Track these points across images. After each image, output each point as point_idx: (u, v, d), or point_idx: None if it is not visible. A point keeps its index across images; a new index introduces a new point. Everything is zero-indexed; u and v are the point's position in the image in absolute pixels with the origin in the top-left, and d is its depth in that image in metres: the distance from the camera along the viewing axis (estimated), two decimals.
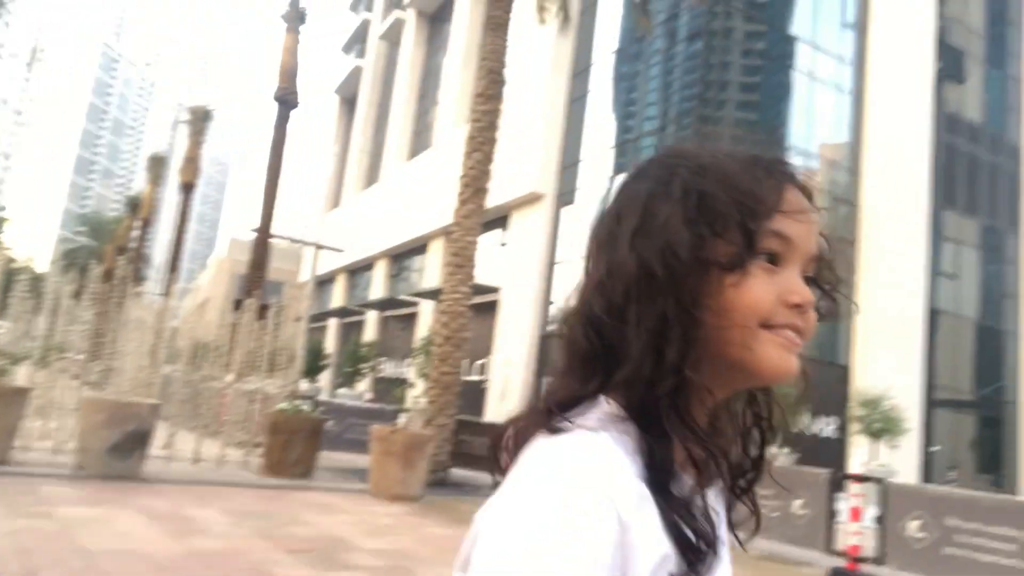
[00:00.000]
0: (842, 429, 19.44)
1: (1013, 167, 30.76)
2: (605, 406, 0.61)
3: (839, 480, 6.73)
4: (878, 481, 6.45)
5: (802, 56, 23.66)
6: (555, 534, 0.50)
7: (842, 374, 20.48)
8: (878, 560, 6.20)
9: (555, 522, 0.51)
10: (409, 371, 24.61)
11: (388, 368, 30.66)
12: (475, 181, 10.60)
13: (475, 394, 24.94)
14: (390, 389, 19.90)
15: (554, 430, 0.58)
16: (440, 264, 10.87)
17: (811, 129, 24.34)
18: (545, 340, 23.59)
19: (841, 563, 5.94)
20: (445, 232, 11.07)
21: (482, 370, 25.79)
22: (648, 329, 0.60)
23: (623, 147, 23.39)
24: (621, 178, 0.71)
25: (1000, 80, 31.39)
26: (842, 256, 0.70)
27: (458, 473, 10.23)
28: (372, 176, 39.26)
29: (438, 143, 30.81)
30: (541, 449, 0.58)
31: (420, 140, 35.13)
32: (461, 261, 10.38)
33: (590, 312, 0.63)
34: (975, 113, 29.99)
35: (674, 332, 0.59)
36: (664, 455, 0.58)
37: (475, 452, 10.37)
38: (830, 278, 0.67)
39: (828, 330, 19.54)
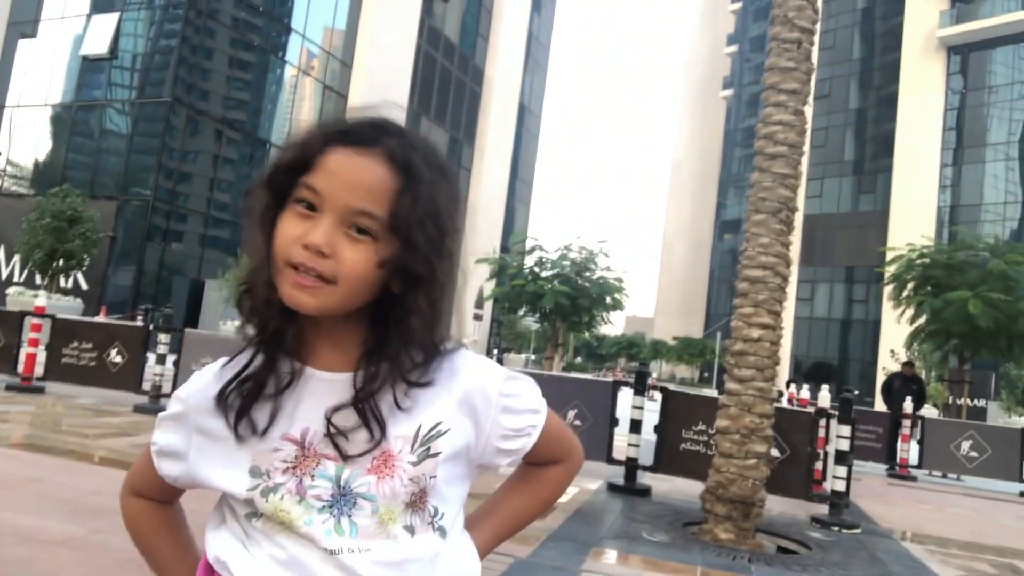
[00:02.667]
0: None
1: (477, 88, 36.21)
2: None
3: (153, 332, 7.99)
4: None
5: None
6: None
7: None
8: (167, 395, 7.99)
9: None
10: None
11: None
12: None
13: None
14: None
15: None
16: None
17: (315, 13, 24.67)
18: None
19: (145, 400, 7.44)
20: None
21: None
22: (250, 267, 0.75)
23: None
24: None
25: (476, 7, 36.16)
26: None
27: None
28: None
29: None
30: None
31: None
32: None
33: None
34: (452, 32, 34.14)
35: (260, 275, 0.73)
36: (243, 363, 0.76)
37: None
38: (418, 238, 0.70)
39: None
